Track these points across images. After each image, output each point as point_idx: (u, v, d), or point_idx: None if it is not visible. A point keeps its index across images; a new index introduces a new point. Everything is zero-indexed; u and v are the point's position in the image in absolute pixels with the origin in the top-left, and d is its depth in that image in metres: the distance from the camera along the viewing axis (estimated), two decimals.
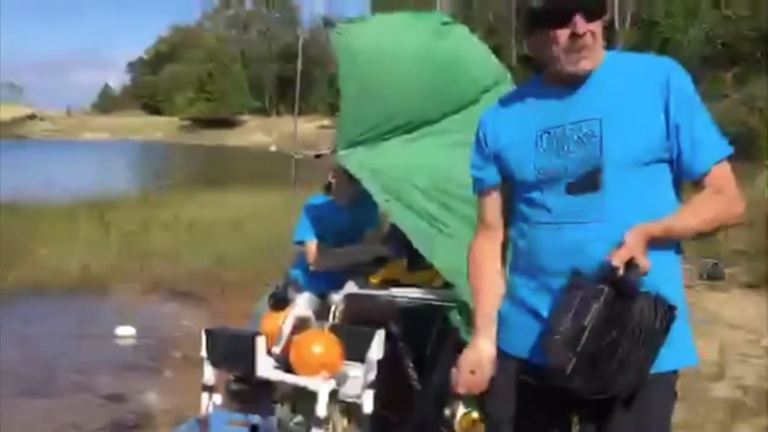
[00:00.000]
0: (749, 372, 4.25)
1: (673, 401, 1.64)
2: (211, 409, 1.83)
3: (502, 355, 1.72)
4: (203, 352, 1.83)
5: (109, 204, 10.98)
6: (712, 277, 6.42)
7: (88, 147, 47.21)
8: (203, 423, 1.87)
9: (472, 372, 1.68)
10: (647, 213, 1.56)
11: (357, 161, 3.21)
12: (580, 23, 1.54)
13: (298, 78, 4.60)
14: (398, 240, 3.31)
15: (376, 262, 3.55)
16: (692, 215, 1.60)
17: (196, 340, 4.53)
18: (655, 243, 1.55)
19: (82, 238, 8.29)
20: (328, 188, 3.69)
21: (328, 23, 3.35)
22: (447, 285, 2.98)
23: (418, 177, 3.24)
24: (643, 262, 1.48)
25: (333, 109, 38.44)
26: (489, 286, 1.75)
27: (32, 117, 73.72)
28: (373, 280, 3.43)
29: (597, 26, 1.57)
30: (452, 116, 3.35)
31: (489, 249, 1.79)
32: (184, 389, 3.92)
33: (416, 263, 3.27)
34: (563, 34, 1.56)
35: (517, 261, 1.75)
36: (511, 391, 1.70)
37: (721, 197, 1.61)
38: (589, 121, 1.59)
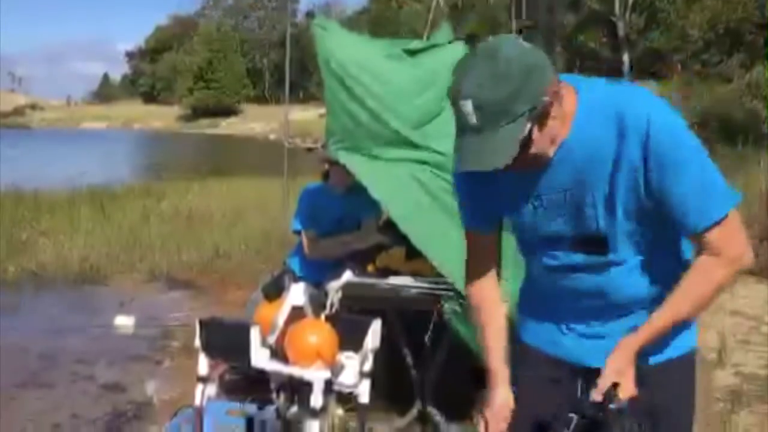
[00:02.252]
0: (750, 359, 4.24)
1: (688, 385, 1.64)
2: (205, 399, 1.82)
3: (520, 344, 1.74)
4: (197, 343, 1.81)
5: (109, 194, 10.96)
6: None
7: (87, 136, 47.15)
8: (198, 413, 1.86)
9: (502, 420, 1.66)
10: (658, 249, 1.55)
11: (348, 156, 3.21)
12: (512, 168, 1.41)
13: (288, 67, 4.56)
14: (396, 228, 3.30)
15: (374, 251, 3.54)
16: (684, 300, 1.50)
17: (194, 330, 4.55)
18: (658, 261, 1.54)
19: (81, 228, 8.27)
20: (325, 176, 3.67)
21: (309, 14, 3.37)
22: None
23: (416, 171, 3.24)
24: (628, 386, 1.45)
25: None
26: (497, 338, 1.70)
27: (32, 107, 73.65)
28: (371, 269, 3.42)
29: (532, 149, 1.43)
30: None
31: (488, 288, 1.73)
32: (183, 379, 3.91)
33: (414, 252, 3.26)
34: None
35: (530, 293, 1.76)
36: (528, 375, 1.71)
37: (718, 267, 1.47)
38: (582, 192, 1.51)
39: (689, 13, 19.21)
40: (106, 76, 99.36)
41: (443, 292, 2.97)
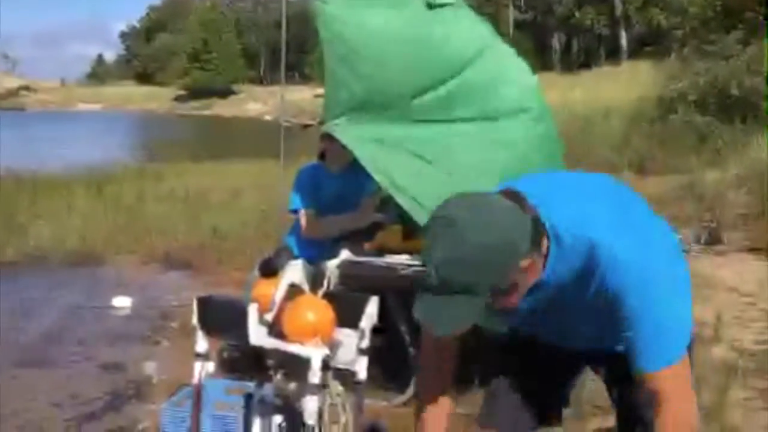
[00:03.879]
0: (746, 335, 4.26)
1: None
2: (204, 377, 1.82)
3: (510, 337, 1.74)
4: (195, 321, 1.82)
5: (105, 175, 10.93)
6: (709, 241, 6.41)
7: (82, 118, 46.93)
8: (197, 391, 1.87)
9: None
10: None
11: (346, 133, 3.19)
12: None
13: (284, 46, 4.53)
14: (394, 207, 3.29)
15: (372, 230, 3.54)
16: None
17: (192, 310, 4.56)
18: None
19: (78, 210, 8.26)
20: (322, 156, 3.66)
21: None
22: None
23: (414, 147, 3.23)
24: None
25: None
26: None
27: (26, 88, 73.22)
28: (368, 248, 3.42)
29: (499, 302, 1.41)
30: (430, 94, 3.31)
31: (438, 400, 1.69)
32: (182, 358, 3.92)
33: (412, 231, 3.26)
34: None
35: None
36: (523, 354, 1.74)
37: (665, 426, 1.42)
38: (564, 322, 1.59)
39: None
40: (100, 57, 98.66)
41: None
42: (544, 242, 1.44)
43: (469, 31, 3.52)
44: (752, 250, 6.29)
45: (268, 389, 1.83)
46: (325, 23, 3.22)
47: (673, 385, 1.42)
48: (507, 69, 3.57)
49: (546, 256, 1.45)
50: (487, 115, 3.40)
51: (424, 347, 1.73)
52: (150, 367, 4.04)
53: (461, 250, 1.32)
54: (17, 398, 3.63)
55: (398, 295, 3.11)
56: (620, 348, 1.56)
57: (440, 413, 1.71)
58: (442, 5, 3.47)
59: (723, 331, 4.14)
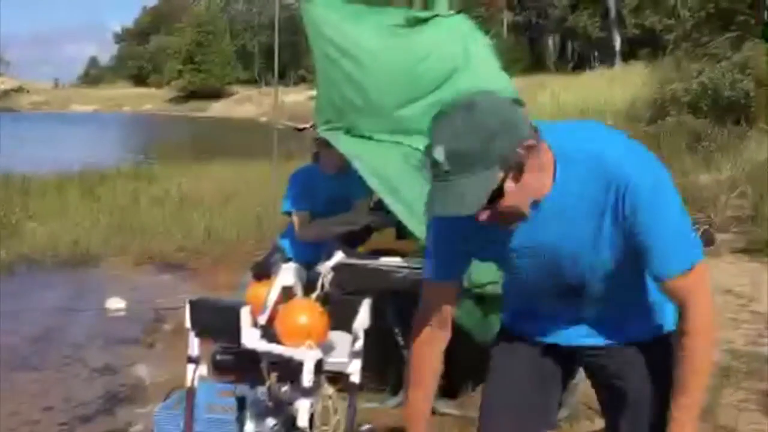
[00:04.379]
0: (739, 336, 4.27)
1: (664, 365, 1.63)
2: (197, 380, 1.82)
3: (506, 334, 1.78)
4: (187, 323, 1.81)
5: (99, 177, 10.91)
6: (703, 242, 6.43)
7: (76, 119, 46.80)
8: (189, 394, 1.86)
9: None
10: (625, 291, 1.61)
11: (339, 136, 3.20)
12: (483, 221, 1.43)
13: (277, 48, 4.52)
14: (387, 209, 3.29)
15: (365, 232, 3.54)
16: (697, 382, 1.54)
17: (186, 310, 4.52)
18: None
19: (72, 212, 8.24)
20: (316, 157, 3.65)
21: None
22: None
23: (406, 151, 3.23)
24: None
25: None
26: (424, 394, 1.69)
27: (19, 90, 72.97)
28: (362, 250, 3.42)
29: (505, 201, 1.41)
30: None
31: (431, 348, 1.69)
32: (175, 361, 3.91)
33: (405, 232, 3.26)
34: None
35: (511, 302, 1.81)
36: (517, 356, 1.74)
37: (692, 335, 1.51)
38: (563, 251, 1.54)
39: None
40: (94, 59, 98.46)
41: None
42: (546, 152, 1.46)
43: (450, 47, 3.51)
44: (746, 251, 6.31)
45: (261, 392, 1.83)
46: (313, 25, 3.22)
47: (700, 283, 1.50)
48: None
49: (553, 175, 1.48)
50: None
51: (425, 302, 1.70)
52: (143, 370, 4.03)
53: (471, 119, 1.36)
54: (9, 402, 3.61)
55: (392, 296, 3.11)
56: (611, 342, 1.64)
57: (434, 352, 1.70)
58: (425, 20, 3.49)
59: (717, 333, 4.14)
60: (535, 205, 1.48)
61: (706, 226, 6.66)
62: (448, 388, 3.15)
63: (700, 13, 16.05)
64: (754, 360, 3.89)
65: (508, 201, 1.41)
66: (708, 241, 6.45)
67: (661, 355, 1.62)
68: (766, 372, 3.72)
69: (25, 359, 4.24)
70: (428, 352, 1.69)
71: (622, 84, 19.58)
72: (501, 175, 1.37)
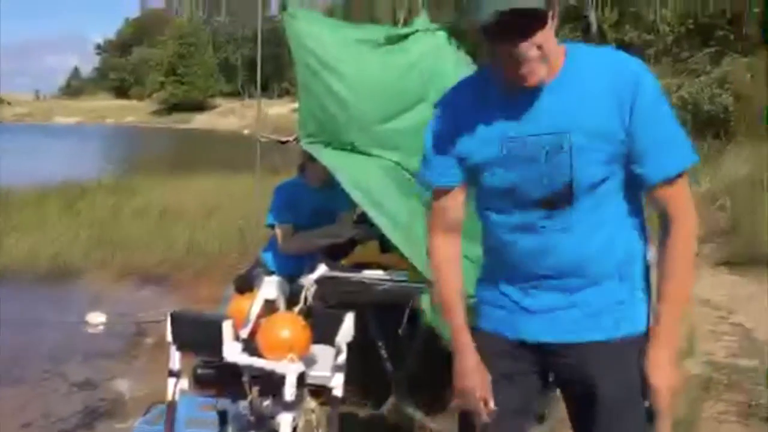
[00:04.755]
0: (719, 349, 4.31)
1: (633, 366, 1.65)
2: (178, 394, 1.81)
3: (478, 332, 1.74)
4: (169, 337, 1.80)
5: (80, 190, 10.81)
6: None
7: (58, 131, 46.45)
8: (170, 408, 1.84)
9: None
10: (612, 225, 1.61)
11: (323, 150, 3.21)
12: (521, 45, 1.46)
13: (259, 61, 4.54)
14: (371, 222, 3.30)
15: (349, 245, 3.54)
16: (681, 286, 1.59)
17: (167, 324, 4.47)
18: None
19: (53, 225, 8.16)
20: (302, 170, 3.65)
21: (284, 8, 3.32)
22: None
23: (386, 165, 3.25)
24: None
25: None
26: (458, 298, 1.72)
27: (0, 102, 72.36)
28: (345, 263, 3.41)
29: (542, 38, 1.47)
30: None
31: (453, 254, 1.74)
32: (156, 376, 3.88)
33: (388, 245, 3.26)
34: (505, 50, 1.48)
35: (488, 255, 1.77)
36: (490, 362, 1.72)
37: (678, 240, 1.57)
38: (557, 135, 1.54)
39: (661, 8, 19.43)
40: (76, 70, 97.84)
41: (417, 285, 2.97)
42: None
43: (432, 62, 3.54)
44: (725, 264, 6.38)
45: (242, 406, 1.82)
46: (296, 37, 3.23)
47: (684, 194, 1.56)
48: None
49: (563, 57, 1.55)
50: None
51: (434, 209, 1.74)
52: (123, 385, 3.99)
53: None
54: None
55: (376, 309, 3.11)
56: (577, 336, 1.62)
57: (454, 263, 1.75)
58: (406, 36, 3.52)
59: (696, 345, 4.19)
60: (541, 86, 1.52)
61: None
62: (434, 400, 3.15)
63: (680, 28, 16.29)
64: (734, 372, 3.92)
65: (545, 41, 1.47)
66: None
67: (634, 361, 1.61)
68: (746, 384, 3.76)
69: (3, 373, 4.18)
70: (447, 244, 1.73)
71: None
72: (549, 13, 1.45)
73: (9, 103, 73.04)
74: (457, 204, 1.72)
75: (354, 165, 3.23)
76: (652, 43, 17.59)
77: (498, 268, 1.72)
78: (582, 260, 1.61)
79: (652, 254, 1.67)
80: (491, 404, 1.66)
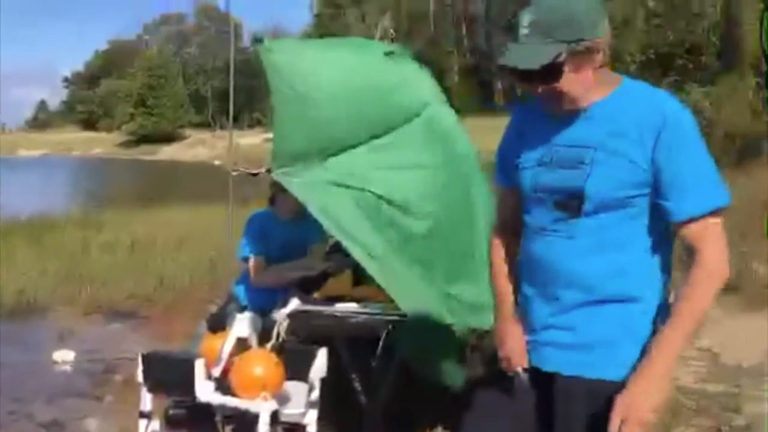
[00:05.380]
0: (687, 374, 4.36)
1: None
2: None
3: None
4: (140, 377, 1.78)
5: (47, 224, 10.63)
6: None
7: (24, 164, 45.75)
8: None
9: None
10: (617, 250, 1.64)
11: (293, 180, 3.21)
12: (540, 88, 1.64)
13: (231, 94, 4.56)
14: (343, 253, 3.31)
15: (322, 277, 3.54)
16: (691, 318, 1.59)
17: (137, 363, 4.40)
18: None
19: (19, 260, 8.00)
20: (272, 202, 3.66)
21: (257, 40, 3.36)
22: (392, 300, 3.00)
23: (358, 196, 3.26)
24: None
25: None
26: (506, 277, 1.88)
27: None
28: (318, 296, 3.41)
29: (563, 82, 1.62)
30: (383, 138, 3.38)
31: (505, 244, 1.89)
32: (126, 414, 3.80)
33: (361, 278, 3.27)
34: (530, 85, 1.67)
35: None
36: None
37: (700, 278, 1.57)
38: (582, 148, 1.65)
39: (623, 38, 19.94)
40: (43, 103, 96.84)
41: (391, 317, 2.98)
42: (616, 77, 1.69)
43: (417, 87, 3.60)
44: None
45: None
46: (272, 68, 3.25)
47: (714, 232, 1.58)
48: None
49: (615, 86, 1.68)
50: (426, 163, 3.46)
51: (498, 204, 1.97)
52: (92, 424, 3.91)
53: (566, 3, 1.61)
54: None
55: (348, 342, 3.11)
56: (591, 375, 1.64)
57: (510, 261, 1.88)
58: (390, 53, 3.56)
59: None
60: (587, 107, 1.65)
61: None
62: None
63: (641, 57, 16.72)
64: (702, 397, 3.97)
65: (563, 85, 1.62)
66: None
67: (608, 409, 1.59)
68: (714, 409, 3.80)
69: None
70: (504, 240, 1.89)
71: None
72: (564, 55, 1.58)
73: None
74: (512, 203, 1.85)
75: (325, 196, 3.24)
76: (618, 70, 18.02)
77: (525, 268, 1.82)
78: (580, 274, 1.66)
79: (672, 298, 1.67)
80: (520, 369, 1.76)
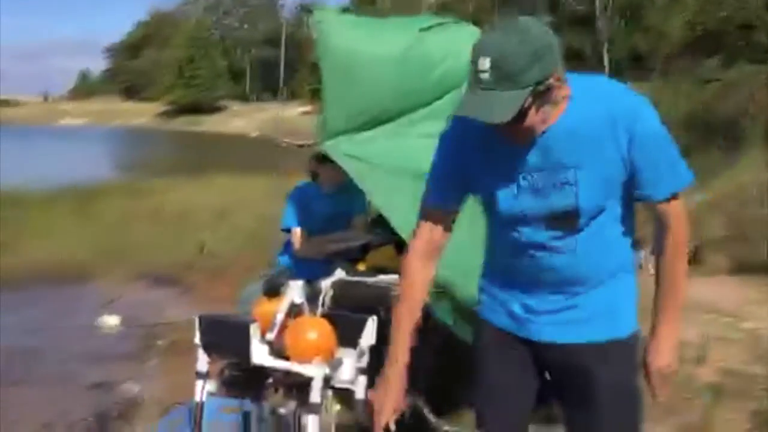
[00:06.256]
0: (729, 356, 4.32)
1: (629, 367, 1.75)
2: (205, 395, 1.84)
3: (485, 323, 1.84)
4: (196, 339, 1.83)
5: (90, 192, 10.85)
6: (690, 261, 6.47)
7: (66, 133, 46.64)
8: (198, 410, 1.88)
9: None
10: (609, 243, 1.72)
11: (341, 151, 3.23)
12: (505, 128, 1.54)
13: (282, 64, 4.57)
14: (386, 226, 3.32)
15: (363, 249, 3.56)
16: (678, 284, 1.76)
17: (180, 328, 4.49)
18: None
19: (63, 227, 8.19)
20: (314, 175, 3.69)
21: (307, 10, 3.36)
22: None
23: (401, 170, 3.26)
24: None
25: (314, 95, 38.35)
26: (411, 307, 1.80)
27: (7, 103, 72.61)
28: (361, 267, 3.44)
29: (526, 120, 1.54)
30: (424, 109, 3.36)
31: (422, 270, 1.79)
32: (170, 378, 3.91)
33: (404, 249, 3.28)
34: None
35: (493, 260, 1.86)
36: (493, 352, 1.82)
37: (674, 246, 1.72)
38: (563, 169, 1.64)
39: (670, 15, 19.45)
40: (85, 72, 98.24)
41: (433, 289, 2.99)
42: (564, 86, 1.59)
43: (458, 56, 3.57)
44: (732, 271, 6.38)
45: (265, 408, 1.85)
46: (322, 43, 3.26)
47: (679, 209, 1.69)
48: None
49: (566, 103, 1.61)
50: None
51: (421, 228, 1.79)
52: (137, 387, 4.02)
53: (524, 37, 1.49)
54: (4, 418, 3.59)
55: (391, 313, 3.13)
56: (576, 336, 1.71)
57: (423, 282, 1.81)
58: (431, 27, 3.54)
59: (707, 352, 4.19)
60: (546, 129, 1.60)
61: (694, 246, 6.73)
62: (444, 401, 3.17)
63: (688, 35, 16.31)
64: (743, 379, 3.93)
65: (527, 122, 1.55)
66: (696, 260, 6.51)
67: (623, 360, 1.73)
68: (755, 391, 3.76)
69: (18, 376, 4.21)
70: (422, 267, 1.78)
71: None
72: (530, 99, 1.51)
73: (17, 105, 73.32)
74: (447, 227, 1.78)
75: (369, 168, 3.24)
76: (660, 50, 17.60)
77: (504, 273, 1.82)
78: (583, 276, 1.73)
79: (643, 257, 1.79)
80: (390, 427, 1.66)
